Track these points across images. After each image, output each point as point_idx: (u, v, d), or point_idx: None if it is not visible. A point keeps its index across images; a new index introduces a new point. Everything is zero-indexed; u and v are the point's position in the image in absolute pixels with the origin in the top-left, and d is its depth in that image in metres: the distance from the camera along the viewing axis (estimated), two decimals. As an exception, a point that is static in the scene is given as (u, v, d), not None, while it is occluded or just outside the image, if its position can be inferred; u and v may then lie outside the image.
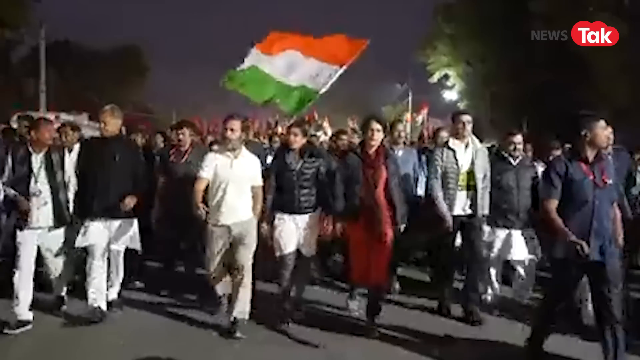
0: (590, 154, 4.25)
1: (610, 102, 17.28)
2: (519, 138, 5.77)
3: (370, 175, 5.01)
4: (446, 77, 30.63)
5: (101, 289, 5.32)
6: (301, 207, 5.25)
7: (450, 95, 29.34)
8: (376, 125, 5.04)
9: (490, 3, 23.89)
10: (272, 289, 5.67)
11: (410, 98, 35.27)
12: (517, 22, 21.39)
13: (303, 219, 5.28)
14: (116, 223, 5.35)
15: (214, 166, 5.00)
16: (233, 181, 4.98)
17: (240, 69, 7.81)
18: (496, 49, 23.88)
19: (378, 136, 5.05)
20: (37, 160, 5.14)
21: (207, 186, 5.06)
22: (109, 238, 5.35)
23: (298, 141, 5.28)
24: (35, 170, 5.10)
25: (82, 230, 5.29)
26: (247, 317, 5.03)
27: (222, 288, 5.31)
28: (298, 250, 5.33)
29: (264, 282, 5.98)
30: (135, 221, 5.48)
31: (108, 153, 5.29)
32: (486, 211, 5.53)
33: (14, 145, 5.39)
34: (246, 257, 5.04)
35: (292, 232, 5.25)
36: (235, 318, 4.99)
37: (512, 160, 5.73)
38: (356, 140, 6.70)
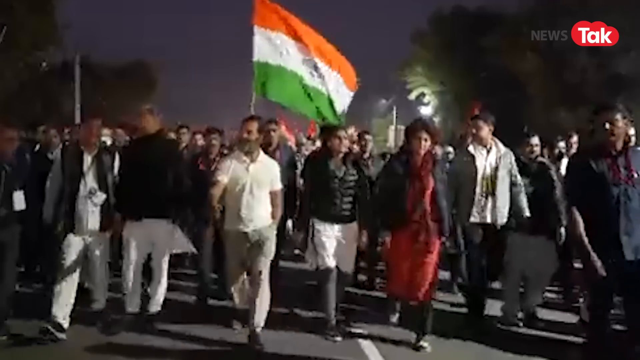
0: (613, 147, 3.84)
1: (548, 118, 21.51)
2: (535, 140, 5.45)
3: (417, 185, 4.68)
4: (423, 94, 34.73)
5: (136, 294, 5.07)
6: (343, 216, 5.00)
7: (425, 110, 33.35)
8: (424, 135, 4.71)
9: (453, 34, 28.43)
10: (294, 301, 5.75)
11: (394, 112, 39.13)
12: (475, 50, 25.82)
13: (343, 229, 5.02)
14: (155, 225, 5.02)
15: (230, 170, 4.76)
16: (250, 186, 4.73)
17: (263, 63, 6.44)
18: (460, 72, 28.23)
19: (426, 145, 4.72)
20: (87, 160, 4.92)
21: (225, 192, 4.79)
22: (147, 240, 5.05)
23: (345, 146, 5.08)
24: (85, 170, 4.88)
25: (123, 234, 5.06)
26: (262, 325, 4.80)
27: (240, 300, 5.02)
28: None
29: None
30: (172, 224, 5.15)
31: (146, 152, 5.10)
32: (527, 213, 5.18)
33: (65, 145, 5.48)
34: (264, 265, 4.80)
35: (333, 242, 5.00)
36: (254, 328, 4.75)
37: (530, 165, 5.43)
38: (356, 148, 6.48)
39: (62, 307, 4.74)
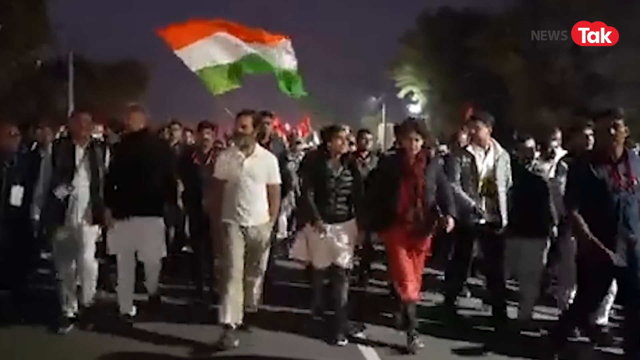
0: (613, 154, 3.90)
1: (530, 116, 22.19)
2: (531, 143, 5.44)
3: (410, 185, 4.67)
4: (412, 92, 35.45)
5: (129, 295, 5.10)
6: (337, 215, 4.94)
7: (414, 108, 34.00)
8: (415, 135, 4.71)
9: (441, 34, 29.13)
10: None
11: (384, 110, 39.70)
12: (461, 51, 26.47)
13: (337, 228, 4.93)
14: (143, 222, 5.05)
15: (226, 166, 4.78)
16: (245, 181, 4.71)
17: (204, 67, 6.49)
18: (447, 72, 28.97)
19: (417, 145, 4.71)
20: (79, 153, 4.92)
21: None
22: (136, 238, 5.05)
23: (345, 147, 5.07)
24: (77, 164, 4.89)
25: (110, 231, 5.06)
26: (257, 303, 4.97)
27: (233, 315, 4.66)
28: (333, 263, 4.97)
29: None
30: (162, 222, 5.27)
31: (133, 149, 5.10)
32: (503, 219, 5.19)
33: (58, 140, 5.55)
34: (258, 260, 4.89)
35: (326, 243, 4.93)
36: (246, 309, 4.79)
37: (525, 167, 5.40)
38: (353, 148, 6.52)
39: (70, 303, 4.93)
